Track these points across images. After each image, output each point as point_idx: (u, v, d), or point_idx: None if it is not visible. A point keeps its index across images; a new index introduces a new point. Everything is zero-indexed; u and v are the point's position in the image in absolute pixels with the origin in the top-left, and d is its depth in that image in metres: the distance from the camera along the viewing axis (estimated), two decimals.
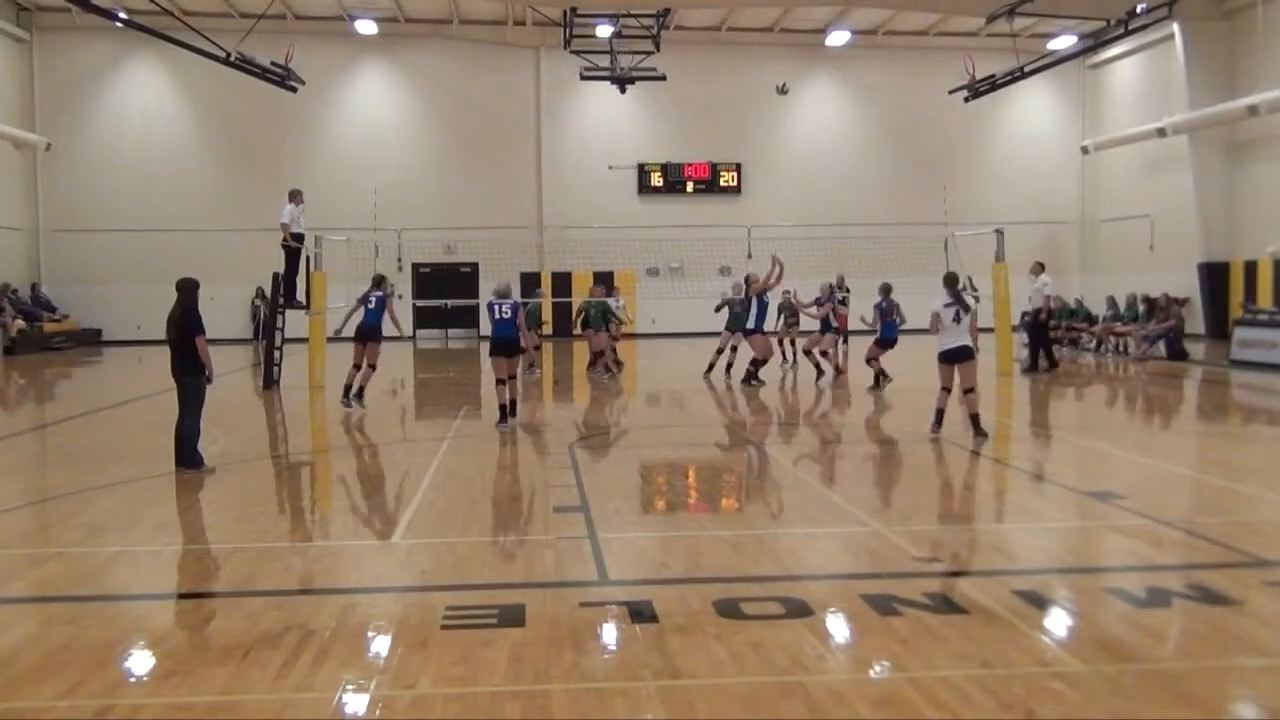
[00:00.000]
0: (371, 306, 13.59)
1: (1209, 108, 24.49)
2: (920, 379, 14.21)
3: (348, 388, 13.49)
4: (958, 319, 10.31)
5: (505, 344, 11.55)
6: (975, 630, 4.76)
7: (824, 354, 16.84)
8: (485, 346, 12.77)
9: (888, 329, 15.00)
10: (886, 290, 15.08)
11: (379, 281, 14.04)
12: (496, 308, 11.63)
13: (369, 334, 13.51)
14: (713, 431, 11.97)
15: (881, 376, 15.03)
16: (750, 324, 15.79)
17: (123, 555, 6.43)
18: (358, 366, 13.46)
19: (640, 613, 5.06)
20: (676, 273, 28.05)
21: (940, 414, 10.72)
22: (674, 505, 8.08)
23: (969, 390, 10.50)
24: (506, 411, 11.52)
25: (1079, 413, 14.04)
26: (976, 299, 21.71)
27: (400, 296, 26.72)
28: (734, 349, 16.87)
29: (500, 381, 11.57)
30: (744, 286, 16.37)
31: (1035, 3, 19.49)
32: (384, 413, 14.44)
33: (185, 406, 9.03)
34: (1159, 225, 27.63)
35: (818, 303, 16.67)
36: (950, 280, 10.63)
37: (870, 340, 15.46)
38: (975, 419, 10.53)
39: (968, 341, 10.40)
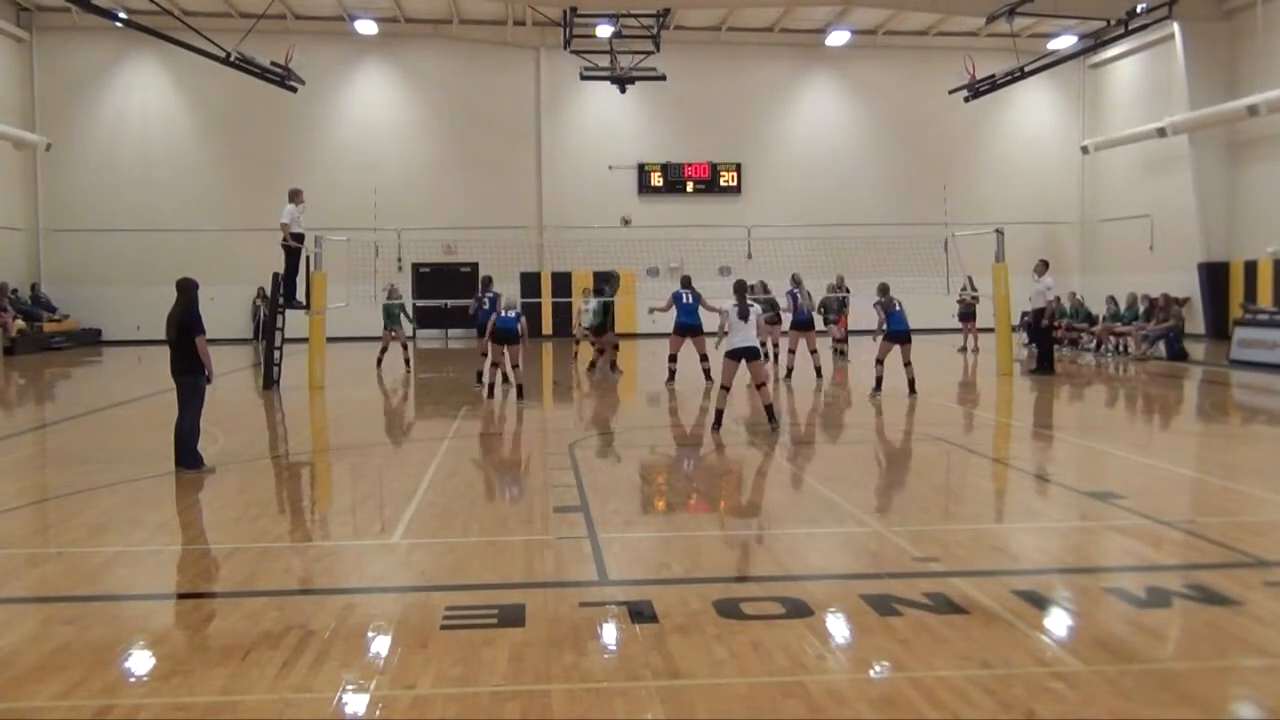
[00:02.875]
0: (503, 313, 14.69)
1: (1209, 108, 24.49)
2: (901, 378, 14.21)
3: (491, 383, 14.92)
4: (744, 317, 11.03)
5: (508, 334, 14.18)
6: (975, 630, 4.76)
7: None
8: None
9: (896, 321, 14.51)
10: (884, 289, 15.04)
11: (487, 283, 16.56)
12: (504, 310, 14.33)
13: (508, 337, 14.50)
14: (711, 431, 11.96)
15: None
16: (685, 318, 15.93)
17: (123, 555, 6.43)
18: (496, 365, 14.89)
19: (640, 613, 5.06)
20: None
21: (720, 414, 11.25)
22: (674, 505, 8.07)
23: (760, 385, 11.28)
24: (492, 388, 14.54)
25: (1079, 413, 14.03)
26: (976, 299, 21.86)
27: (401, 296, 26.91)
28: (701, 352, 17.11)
29: (495, 364, 14.62)
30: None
31: (1035, 3, 19.50)
32: (384, 413, 14.46)
33: (185, 406, 9.03)
34: (1159, 225, 27.63)
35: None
36: (739, 288, 11.43)
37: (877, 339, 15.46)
38: (769, 409, 11.22)
39: (755, 342, 11.18)
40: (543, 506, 7.74)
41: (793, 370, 16.66)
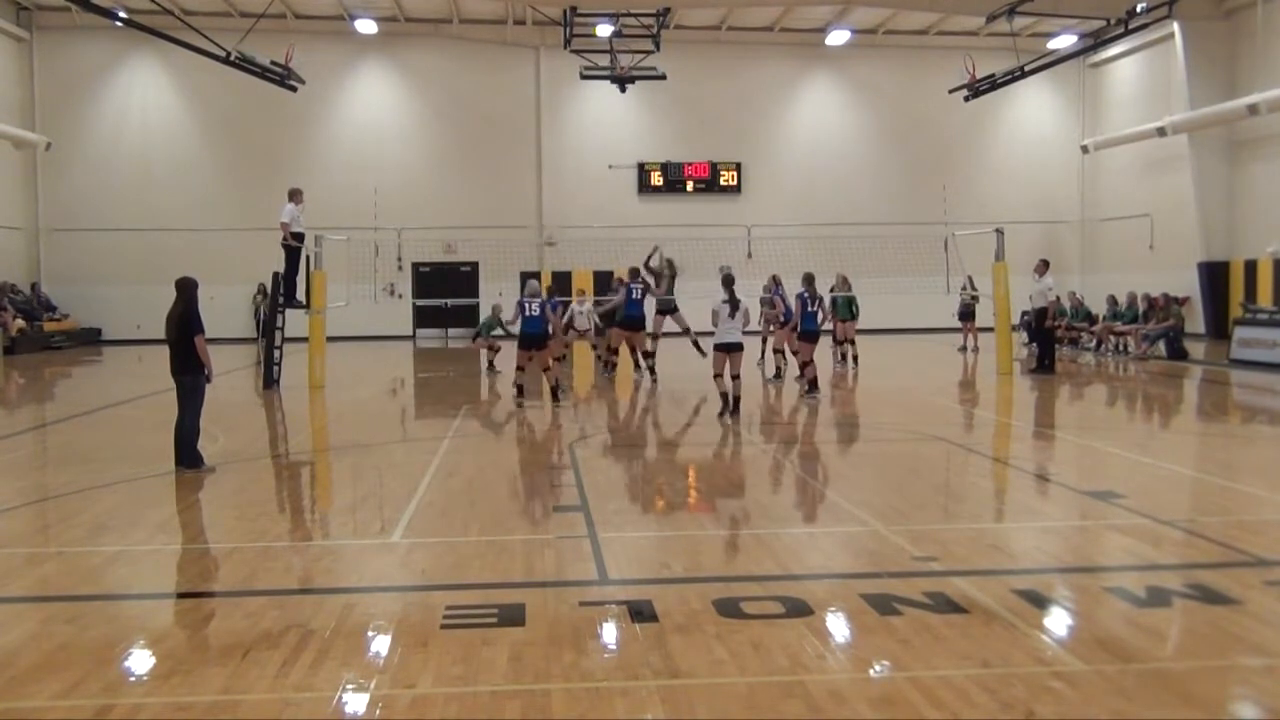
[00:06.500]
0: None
1: (1209, 107, 24.48)
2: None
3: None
4: (732, 315, 11.92)
5: (534, 339, 13.54)
6: (975, 630, 4.76)
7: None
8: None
9: (808, 320, 14.49)
10: (809, 280, 14.80)
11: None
12: (527, 304, 13.70)
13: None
14: (713, 430, 11.96)
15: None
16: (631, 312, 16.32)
17: (123, 555, 6.43)
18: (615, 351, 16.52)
19: (640, 612, 5.06)
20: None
21: (726, 397, 12.01)
22: (674, 505, 8.07)
23: (735, 376, 11.98)
24: (558, 389, 14.15)
25: (1079, 412, 14.03)
26: (975, 299, 21.88)
27: (401, 296, 26.91)
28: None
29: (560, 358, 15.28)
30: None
31: (1035, 2, 19.49)
32: (384, 413, 14.45)
33: (185, 406, 9.03)
34: (1159, 225, 27.63)
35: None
36: (727, 281, 12.23)
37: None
38: (737, 401, 11.98)
39: (739, 337, 11.99)
40: (543, 506, 7.75)
41: (781, 371, 16.54)
